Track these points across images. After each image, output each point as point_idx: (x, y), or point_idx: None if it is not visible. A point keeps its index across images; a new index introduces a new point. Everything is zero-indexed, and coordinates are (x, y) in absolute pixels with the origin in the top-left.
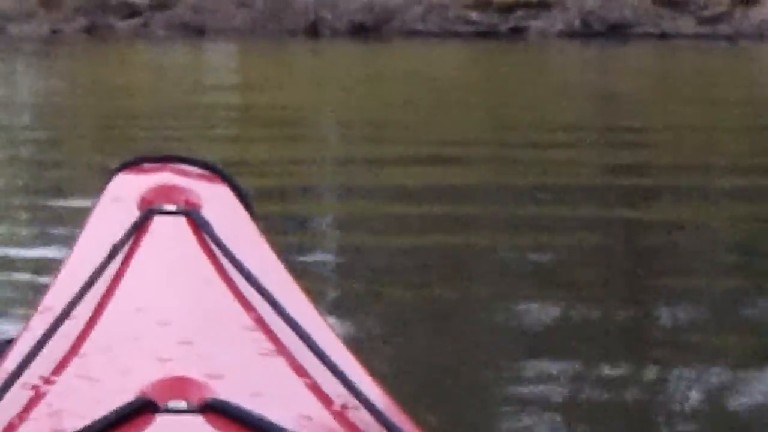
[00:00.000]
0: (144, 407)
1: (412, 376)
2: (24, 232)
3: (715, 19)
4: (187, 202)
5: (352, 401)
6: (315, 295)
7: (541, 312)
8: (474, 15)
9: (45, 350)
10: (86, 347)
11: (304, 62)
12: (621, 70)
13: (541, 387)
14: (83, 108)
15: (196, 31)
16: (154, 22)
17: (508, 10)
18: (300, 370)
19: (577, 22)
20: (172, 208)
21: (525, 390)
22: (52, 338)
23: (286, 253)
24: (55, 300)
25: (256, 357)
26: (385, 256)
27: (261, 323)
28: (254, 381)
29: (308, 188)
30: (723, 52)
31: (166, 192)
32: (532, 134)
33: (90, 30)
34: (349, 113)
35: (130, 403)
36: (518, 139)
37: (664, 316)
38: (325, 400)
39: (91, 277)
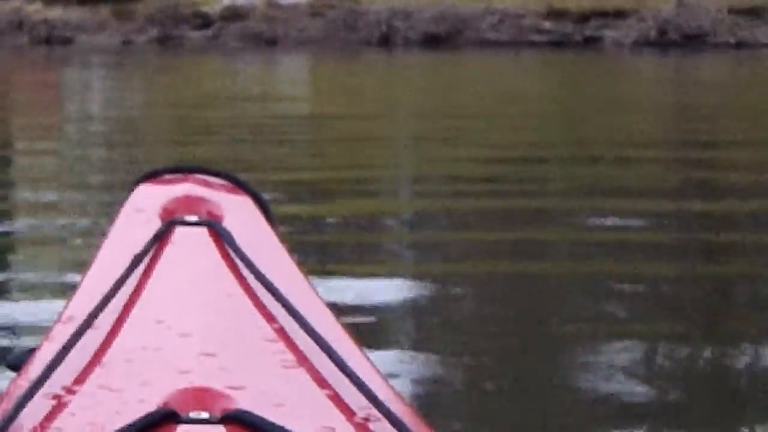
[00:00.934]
0: (166, 418)
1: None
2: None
3: None
4: (208, 214)
5: (374, 413)
6: (390, 282)
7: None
8: (548, 24)
9: (67, 360)
10: (108, 357)
11: (377, 73)
12: (698, 81)
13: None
14: (154, 118)
15: (268, 42)
16: (226, 32)
17: (583, 19)
18: (322, 382)
19: (653, 32)
20: (193, 219)
21: (599, 379)
22: (74, 348)
23: (360, 253)
24: (77, 310)
25: (277, 368)
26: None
27: (283, 334)
28: (276, 392)
29: (381, 199)
30: None
31: (188, 203)
32: (606, 144)
33: (162, 41)
34: (421, 123)
35: (152, 414)
36: (593, 148)
37: (746, 332)
38: (347, 411)
39: (112, 287)
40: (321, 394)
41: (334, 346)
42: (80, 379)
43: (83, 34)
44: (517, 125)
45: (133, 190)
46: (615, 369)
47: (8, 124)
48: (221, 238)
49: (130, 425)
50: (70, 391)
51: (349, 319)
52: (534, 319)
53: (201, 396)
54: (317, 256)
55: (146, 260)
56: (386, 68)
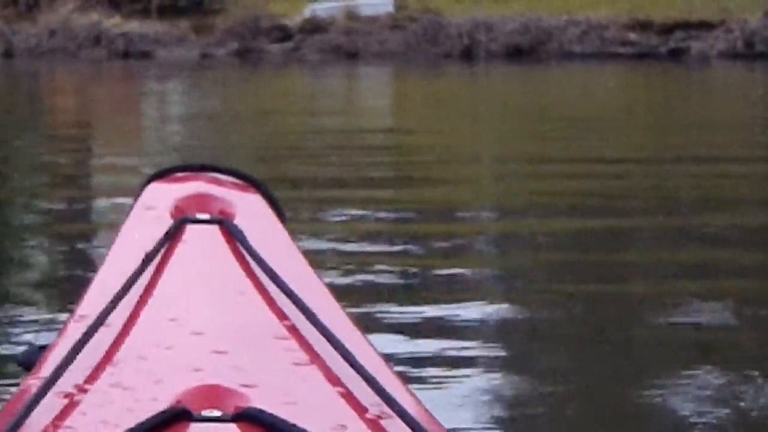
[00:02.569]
0: (178, 416)
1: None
2: None
3: None
4: (220, 212)
5: (386, 410)
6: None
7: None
8: (633, 36)
9: (79, 358)
10: (120, 355)
11: (461, 86)
12: None
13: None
14: (232, 135)
15: (348, 55)
16: (306, 45)
17: (668, 30)
18: (334, 379)
19: (739, 43)
20: (205, 216)
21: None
22: (86, 346)
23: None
24: (89, 308)
25: (289, 366)
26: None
27: (294, 332)
28: (288, 390)
29: (467, 209)
30: None
31: (199, 201)
32: (693, 160)
33: (241, 54)
34: (507, 140)
35: (164, 412)
36: (680, 162)
37: None
38: (359, 409)
39: (124, 285)
40: (333, 392)
41: (346, 343)
42: (92, 378)
43: (162, 47)
44: (604, 139)
45: (144, 189)
46: (703, 394)
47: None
48: (232, 235)
49: (141, 423)
50: (82, 389)
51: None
52: (618, 337)
53: (213, 394)
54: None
55: (158, 258)
56: (470, 82)
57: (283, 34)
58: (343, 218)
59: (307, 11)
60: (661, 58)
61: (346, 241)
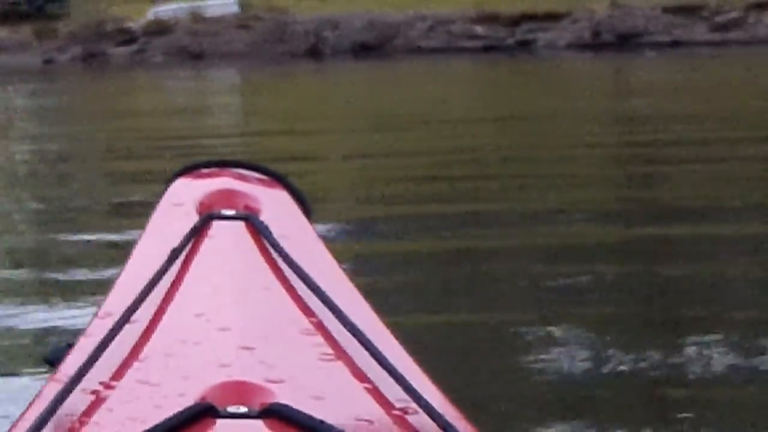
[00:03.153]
0: (204, 412)
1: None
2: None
3: (728, 26)
4: (246, 207)
5: (413, 406)
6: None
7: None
8: (479, 29)
9: (105, 355)
10: (146, 352)
11: (308, 85)
12: (633, 82)
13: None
14: (78, 138)
15: (194, 56)
16: (150, 47)
17: (515, 23)
18: (360, 375)
19: (586, 33)
20: (231, 213)
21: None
22: (112, 343)
23: None
24: (114, 305)
25: (316, 362)
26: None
27: (321, 328)
28: (314, 386)
29: (317, 204)
30: (737, 59)
31: (225, 197)
32: (541, 147)
33: (85, 58)
34: (354, 135)
35: (191, 408)
36: (528, 155)
37: (692, 353)
38: (386, 404)
39: (150, 281)
40: (359, 387)
41: (372, 338)
42: (119, 374)
43: (3, 53)
44: (450, 133)
45: (169, 184)
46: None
47: None
48: (259, 232)
49: (168, 419)
50: (108, 386)
51: None
52: (479, 316)
53: (240, 390)
54: None
55: (184, 254)
56: (317, 79)
57: (127, 36)
58: None
59: (150, 14)
60: (509, 50)
61: None
